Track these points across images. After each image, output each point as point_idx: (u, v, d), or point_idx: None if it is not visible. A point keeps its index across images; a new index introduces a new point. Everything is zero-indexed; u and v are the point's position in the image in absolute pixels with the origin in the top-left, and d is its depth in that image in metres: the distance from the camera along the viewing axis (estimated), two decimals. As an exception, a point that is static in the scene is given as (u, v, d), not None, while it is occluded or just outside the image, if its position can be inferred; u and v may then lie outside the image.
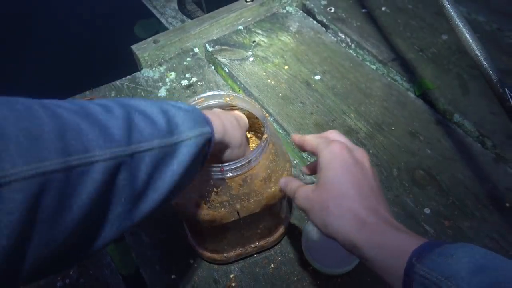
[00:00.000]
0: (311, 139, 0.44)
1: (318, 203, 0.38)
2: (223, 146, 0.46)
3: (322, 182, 0.39)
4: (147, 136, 0.32)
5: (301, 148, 0.46)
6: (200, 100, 0.55)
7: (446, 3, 0.42)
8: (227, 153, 0.47)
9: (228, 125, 0.46)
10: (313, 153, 0.44)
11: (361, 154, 0.41)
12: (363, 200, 0.37)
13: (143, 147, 0.31)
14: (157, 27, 1.39)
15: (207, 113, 0.43)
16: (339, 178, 0.38)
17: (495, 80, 0.40)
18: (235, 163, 0.48)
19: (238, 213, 0.51)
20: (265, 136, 0.50)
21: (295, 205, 0.43)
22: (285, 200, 0.62)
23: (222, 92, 0.55)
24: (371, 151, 0.76)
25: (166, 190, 0.34)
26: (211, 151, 0.42)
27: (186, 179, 0.38)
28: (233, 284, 0.61)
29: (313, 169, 0.49)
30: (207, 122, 0.40)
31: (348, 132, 0.79)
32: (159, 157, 0.33)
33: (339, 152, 0.40)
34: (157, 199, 0.34)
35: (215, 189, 0.49)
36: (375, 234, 0.34)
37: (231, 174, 0.48)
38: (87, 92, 0.88)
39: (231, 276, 0.62)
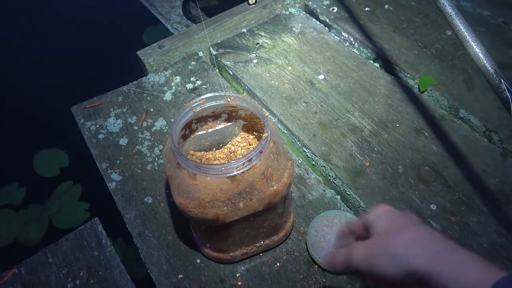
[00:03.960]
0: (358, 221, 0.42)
1: (380, 244, 0.36)
2: None
3: (379, 231, 0.38)
4: None
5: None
6: (201, 101, 0.56)
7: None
8: None
9: None
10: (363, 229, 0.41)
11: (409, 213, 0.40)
12: (430, 230, 0.35)
13: None
14: (165, 34, 1.42)
15: None
16: (397, 219, 0.38)
17: (491, 71, 0.40)
18: (236, 162, 0.48)
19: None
20: (265, 135, 0.50)
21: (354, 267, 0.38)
22: (289, 198, 0.62)
23: (223, 93, 0.56)
24: (376, 149, 0.75)
25: None
26: None
27: None
28: (240, 283, 0.62)
29: (355, 230, 0.43)
30: None
31: (353, 130, 0.79)
32: None
33: (387, 207, 0.40)
34: None
35: (217, 188, 0.50)
36: (451, 263, 0.32)
37: (232, 173, 0.49)
38: (95, 98, 0.90)
39: (237, 275, 0.63)
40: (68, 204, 1.20)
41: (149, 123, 0.85)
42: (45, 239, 1.12)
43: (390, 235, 0.36)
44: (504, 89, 0.41)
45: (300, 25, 1.03)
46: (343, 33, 0.99)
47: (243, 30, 1.02)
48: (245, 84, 0.90)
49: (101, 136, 0.83)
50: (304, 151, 0.78)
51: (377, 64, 0.93)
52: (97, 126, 0.85)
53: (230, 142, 0.65)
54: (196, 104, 0.56)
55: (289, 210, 0.64)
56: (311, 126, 0.80)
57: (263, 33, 1.01)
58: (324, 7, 1.05)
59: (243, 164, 0.49)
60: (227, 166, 0.48)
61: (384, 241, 0.36)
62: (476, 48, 0.42)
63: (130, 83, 0.93)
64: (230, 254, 0.62)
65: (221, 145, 0.66)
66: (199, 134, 0.64)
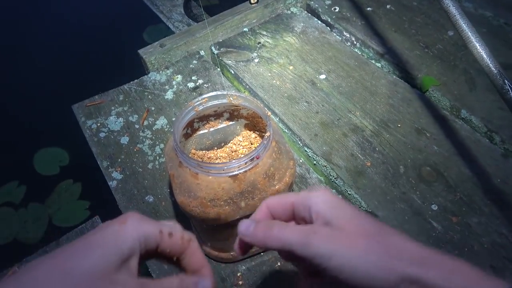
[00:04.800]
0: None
1: (350, 243, 0.31)
2: None
3: (341, 222, 0.32)
4: None
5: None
6: (203, 100, 0.56)
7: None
8: None
9: None
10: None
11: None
12: (403, 236, 0.32)
13: None
14: (166, 32, 1.42)
15: None
16: (358, 217, 0.33)
17: (495, 72, 0.40)
18: (238, 161, 0.48)
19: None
20: (267, 134, 0.50)
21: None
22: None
23: (225, 92, 0.56)
24: (377, 149, 0.75)
25: None
26: None
27: None
28: (240, 283, 0.62)
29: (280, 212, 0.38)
30: None
31: (354, 130, 0.79)
32: None
33: (328, 193, 0.35)
34: None
35: (219, 187, 0.50)
36: (444, 270, 0.29)
37: (234, 173, 0.49)
38: (96, 96, 0.90)
39: (238, 274, 0.63)
40: (68, 202, 1.21)
41: (150, 122, 0.84)
42: (45, 238, 1.12)
43: (375, 237, 0.31)
44: (508, 89, 0.41)
45: (302, 24, 1.03)
46: (344, 33, 0.99)
47: (244, 29, 1.02)
48: (247, 83, 0.90)
49: (102, 135, 0.83)
50: (306, 151, 0.78)
51: (378, 64, 0.93)
52: (98, 124, 0.85)
53: (231, 141, 0.65)
54: (198, 102, 0.56)
55: (290, 210, 0.64)
56: (312, 126, 0.80)
57: (264, 32, 1.01)
58: (326, 7, 1.05)
59: (245, 163, 0.49)
60: (229, 165, 0.48)
61: (357, 245, 0.31)
62: (479, 49, 0.42)
63: (131, 82, 0.93)
64: (231, 253, 0.62)
65: (223, 144, 0.66)
66: (201, 133, 0.63)
